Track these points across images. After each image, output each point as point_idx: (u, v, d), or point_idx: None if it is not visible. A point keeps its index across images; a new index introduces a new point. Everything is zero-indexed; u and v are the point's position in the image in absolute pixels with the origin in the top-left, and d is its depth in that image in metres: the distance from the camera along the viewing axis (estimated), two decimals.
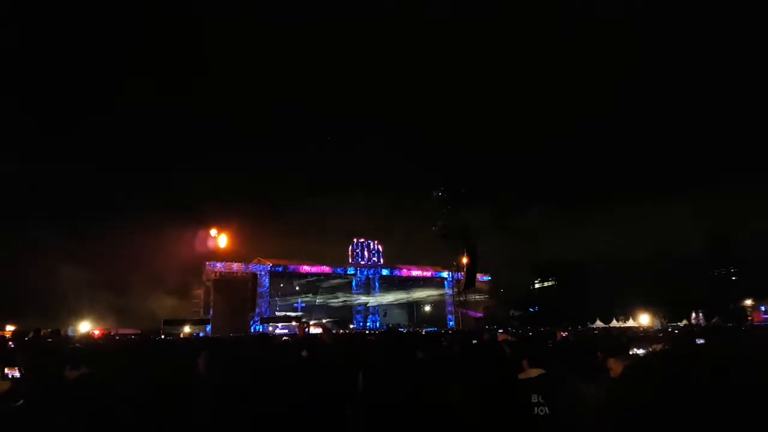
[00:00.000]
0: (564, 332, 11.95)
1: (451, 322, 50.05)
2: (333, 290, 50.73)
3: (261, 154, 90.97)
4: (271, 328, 41.60)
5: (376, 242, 51.34)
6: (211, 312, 40.93)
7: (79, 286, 35.31)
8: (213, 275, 42.50)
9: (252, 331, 39.49)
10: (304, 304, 51.01)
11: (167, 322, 34.40)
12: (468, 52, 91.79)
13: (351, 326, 47.12)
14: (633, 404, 2.54)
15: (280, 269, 46.28)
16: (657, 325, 40.89)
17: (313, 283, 51.13)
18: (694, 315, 48.10)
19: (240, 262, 44.26)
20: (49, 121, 58.99)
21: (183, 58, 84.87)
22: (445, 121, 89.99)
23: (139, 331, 30.01)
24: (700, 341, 10.95)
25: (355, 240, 50.67)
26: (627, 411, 2.52)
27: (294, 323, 39.50)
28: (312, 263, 48.19)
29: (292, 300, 50.86)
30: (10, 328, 23.87)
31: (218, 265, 42.83)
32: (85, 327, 33.38)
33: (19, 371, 5.16)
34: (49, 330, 12.84)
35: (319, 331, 16.64)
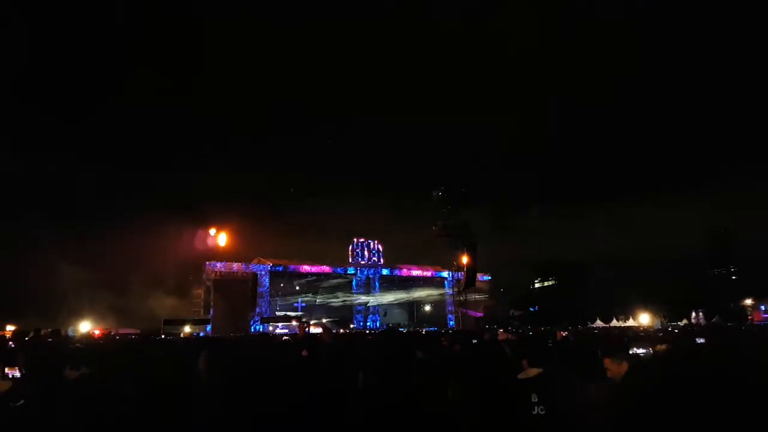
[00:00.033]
0: (564, 332, 11.97)
1: (451, 322, 50.04)
2: (333, 290, 50.70)
3: (261, 154, 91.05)
4: (271, 328, 41.59)
5: (376, 242, 51.33)
6: (211, 312, 40.92)
7: (79, 286, 35.34)
8: (213, 275, 42.49)
9: (252, 330, 39.49)
10: (304, 304, 50.99)
11: (167, 322, 34.40)
12: (468, 52, 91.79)
13: (351, 326, 47.11)
14: (634, 405, 2.55)
15: (281, 269, 46.26)
16: (657, 324, 40.89)
17: (314, 283, 51.11)
18: (694, 314, 48.08)
19: (240, 261, 44.25)
20: (49, 121, 59.01)
21: (183, 58, 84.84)
22: (445, 121, 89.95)
23: (139, 331, 30.01)
24: (701, 340, 10.94)
25: (355, 240, 50.65)
26: (628, 411, 2.52)
27: (294, 323, 39.49)
28: (312, 263, 48.17)
29: (292, 300, 50.85)
30: (10, 328, 23.89)
31: (218, 264, 42.82)
32: (85, 327, 33.39)
33: (20, 371, 5.16)
34: (49, 330, 12.86)
35: (319, 330, 16.63)
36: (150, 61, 74.97)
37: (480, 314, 49.10)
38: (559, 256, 67.95)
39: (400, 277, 52.62)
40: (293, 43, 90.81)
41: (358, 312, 49.45)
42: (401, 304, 56.34)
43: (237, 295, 41.57)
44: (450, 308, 51.30)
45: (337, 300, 50.62)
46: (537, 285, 78.61)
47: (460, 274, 43.98)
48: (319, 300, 51.42)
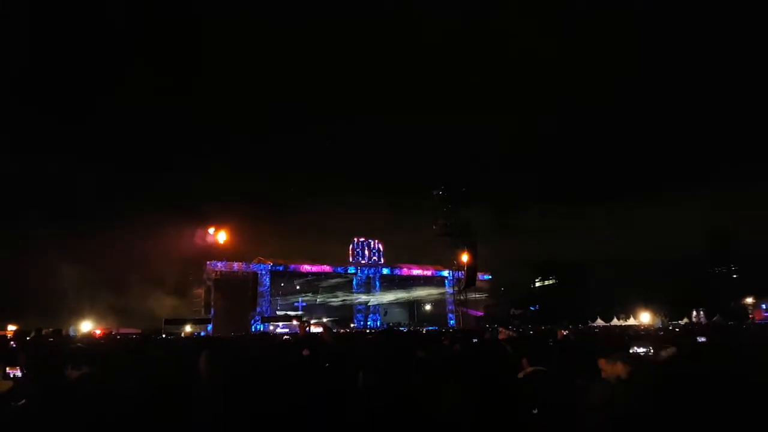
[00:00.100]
0: (564, 331, 11.97)
1: (451, 321, 50.02)
2: (333, 289, 50.67)
3: (261, 154, 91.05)
4: (271, 327, 41.60)
5: (376, 241, 51.31)
6: (212, 311, 40.93)
7: (80, 286, 35.35)
8: (214, 274, 42.49)
9: (253, 330, 39.51)
10: (304, 304, 50.99)
11: (168, 322, 34.43)
12: (468, 52, 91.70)
13: (352, 325, 47.11)
14: (632, 404, 2.55)
15: (281, 268, 46.25)
16: (658, 323, 40.88)
17: (314, 283, 51.10)
18: (695, 313, 48.07)
19: (241, 261, 44.26)
20: (49, 121, 59.02)
21: (183, 58, 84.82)
22: (445, 121, 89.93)
23: (140, 331, 30.04)
24: (702, 339, 10.94)
25: (355, 239, 50.63)
26: (626, 410, 2.53)
27: (295, 322, 39.50)
28: (312, 262, 48.16)
29: (292, 299, 50.84)
30: (11, 327, 23.91)
31: (219, 264, 42.82)
32: (86, 327, 33.41)
33: (21, 371, 5.17)
34: (50, 330, 12.87)
35: (319, 330, 16.63)
36: (150, 61, 75.04)
37: (480, 313, 49.07)
38: (559, 256, 68.02)
39: (401, 276, 52.61)
40: (293, 43, 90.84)
41: (359, 311, 49.45)
42: (401, 304, 56.32)
43: (238, 294, 41.56)
44: (450, 307, 51.26)
45: (337, 299, 50.62)
46: (537, 284, 78.59)
47: (461, 274, 43.96)
48: (319, 299, 51.41)
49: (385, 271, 51.10)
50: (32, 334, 10.15)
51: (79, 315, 34.44)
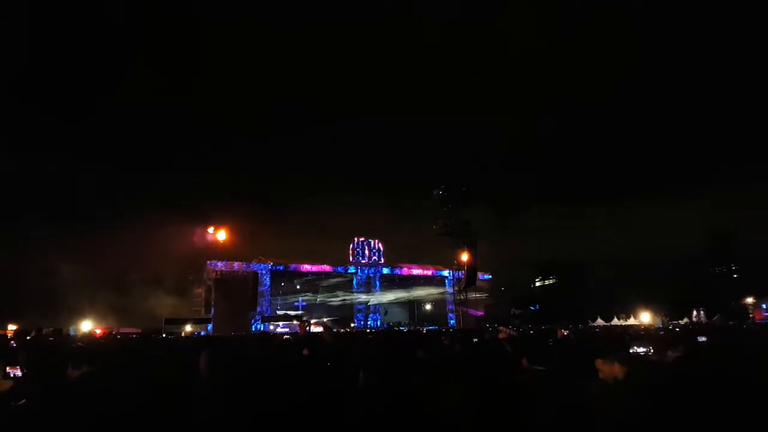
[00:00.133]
0: (565, 330, 11.96)
1: (451, 321, 50.02)
2: (333, 289, 50.67)
3: (261, 154, 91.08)
4: (272, 327, 41.61)
5: (376, 241, 51.30)
6: (212, 311, 40.93)
7: (80, 286, 35.37)
8: (214, 274, 42.49)
9: (253, 330, 39.51)
10: (304, 303, 50.99)
11: (168, 321, 34.44)
12: (468, 53, 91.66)
13: (352, 325, 47.12)
14: (629, 405, 2.55)
15: (281, 268, 46.25)
16: (658, 323, 40.88)
17: (314, 282, 51.10)
18: (695, 313, 48.06)
19: (241, 261, 44.27)
20: (49, 121, 59.02)
21: (183, 58, 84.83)
22: (445, 121, 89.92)
23: (140, 330, 30.03)
24: (702, 339, 10.94)
25: (355, 239, 50.62)
26: (623, 412, 2.53)
27: (295, 322, 39.50)
28: (313, 262, 48.16)
29: (292, 299, 50.84)
30: (12, 327, 23.91)
31: (219, 264, 42.82)
32: (86, 326, 33.42)
33: (21, 370, 5.17)
34: (50, 329, 12.87)
35: (320, 329, 16.64)
36: (150, 61, 75.02)
37: (481, 313, 49.08)
38: (559, 256, 68.03)
39: (401, 276, 52.61)
40: (293, 43, 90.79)
41: (359, 311, 49.46)
42: (402, 303, 56.32)
43: (238, 294, 41.56)
44: (450, 307, 51.25)
45: (337, 299, 50.63)
46: (537, 284, 78.61)
47: (461, 273, 43.96)
48: (319, 299, 51.42)
49: (386, 270, 51.09)
50: (33, 334, 10.16)
51: (80, 314, 34.48)
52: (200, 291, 42.73)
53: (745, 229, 61.45)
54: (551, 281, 77.01)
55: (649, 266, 58.46)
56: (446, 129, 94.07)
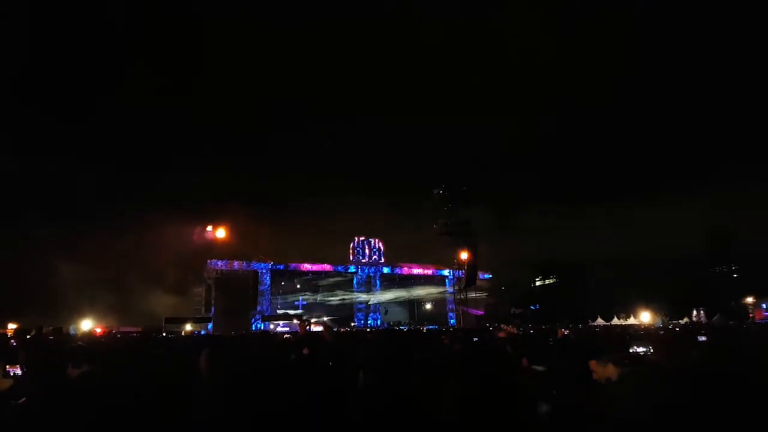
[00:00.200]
0: (565, 330, 11.95)
1: (452, 320, 50.04)
2: (334, 288, 50.71)
3: (261, 154, 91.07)
4: (272, 326, 41.63)
5: (377, 240, 51.31)
6: (213, 310, 40.96)
7: (81, 285, 35.39)
8: (214, 273, 42.52)
9: (253, 329, 39.53)
10: (305, 302, 51.02)
11: (169, 320, 34.48)
12: (468, 52, 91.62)
13: (352, 324, 47.14)
14: (633, 404, 2.54)
15: (281, 267, 46.28)
16: (658, 322, 40.89)
17: (314, 282, 51.13)
18: (695, 312, 48.08)
19: (241, 260, 44.28)
20: (49, 121, 59.03)
21: (183, 58, 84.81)
22: (445, 121, 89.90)
23: (140, 329, 30.03)
24: (702, 338, 10.95)
25: (356, 238, 50.62)
26: (622, 411, 2.52)
27: (295, 321, 39.51)
28: (313, 261, 48.19)
29: (293, 298, 50.87)
30: (12, 326, 23.93)
31: (219, 263, 42.85)
32: (86, 325, 33.45)
33: (21, 369, 5.17)
34: (51, 328, 12.87)
35: (320, 329, 16.65)
36: (150, 61, 74.96)
37: (481, 312, 49.11)
38: (559, 256, 68.00)
39: (401, 275, 52.63)
40: (293, 43, 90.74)
41: (359, 310, 49.48)
42: (402, 303, 56.36)
43: (238, 293, 41.59)
44: (451, 306, 51.28)
45: (337, 298, 50.66)
46: (538, 283, 78.63)
47: (461, 273, 43.98)
48: (319, 298, 51.45)
49: (386, 270, 51.11)
50: (33, 333, 10.15)
51: (80, 314, 34.50)
52: (200, 290, 42.77)
53: (745, 229, 61.43)
54: (551, 281, 77.03)
55: (649, 266, 58.47)
56: (446, 129, 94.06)
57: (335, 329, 19.76)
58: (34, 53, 62.28)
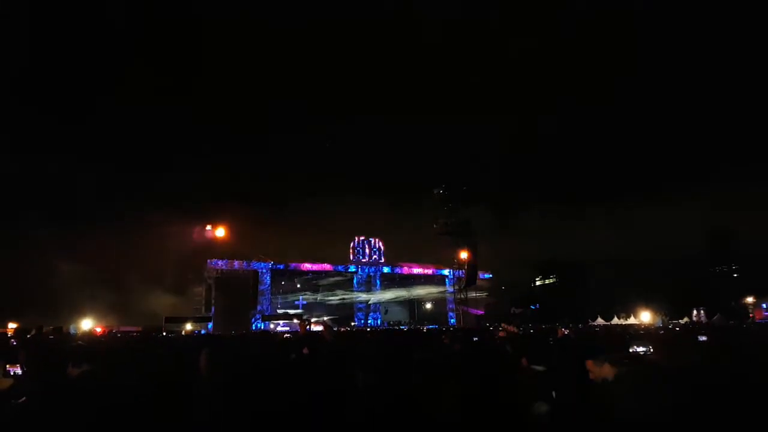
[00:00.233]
0: (565, 330, 11.95)
1: (452, 320, 50.06)
2: (334, 288, 50.73)
3: (261, 154, 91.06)
4: (272, 326, 41.64)
5: (377, 240, 51.33)
6: (213, 309, 40.98)
7: (81, 285, 35.40)
8: (214, 273, 42.53)
9: (253, 328, 39.56)
10: (305, 302, 51.02)
11: (169, 320, 34.48)
12: (468, 52, 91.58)
13: (353, 323, 47.16)
14: (629, 404, 2.54)
15: (282, 267, 46.30)
16: (658, 322, 40.89)
17: (314, 281, 51.15)
18: (695, 312, 48.10)
19: (241, 259, 44.28)
20: (49, 121, 59.03)
21: (183, 58, 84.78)
22: (445, 121, 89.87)
23: (140, 329, 30.05)
24: (702, 338, 10.95)
25: (356, 238, 50.63)
26: (623, 410, 2.52)
27: (295, 321, 39.52)
28: (313, 261, 48.20)
29: (293, 297, 50.88)
30: (12, 325, 23.94)
31: (220, 263, 42.86)
32: (87, 325, 33.46)
33: (21, 368, 5.17)
34: (51, 328, 12.86)
35: (320, 328, 16.65)
36: (150, 61, 74.90)
37: (481, 312, 49.13)
38: (559, 256, 68.01)
39: (401, 275, 52.65)
40: (293, 43, 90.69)
41: (359, 310, 49.51)
42: (402, 302, 56.38)
43: (238, 292, 41.60)
44: (451, 306, 51.30)
45: (337, 298, 50.67)
46: (538, 283, 78.67)
47: (461, 272, 43.99)
48: (320, 298, 51.46)
49: (386, 269, 51.13)
50: (33, 332, 10.15)
51: (80, 313, 34.52)
52: (200, 290, 42.78)
53: (745, 229, 61.40)
54: (551, 280, 77.07)
55: (649, 266, 58.49)
56: (446, 129, 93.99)
57: (335, 329, 19.78)
58: (34, 53, 62.28)
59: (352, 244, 50.22)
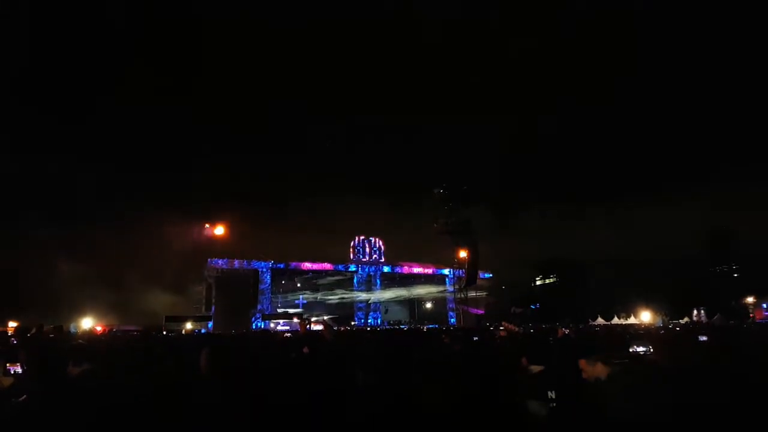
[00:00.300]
0: (565, 329, 11.95)
1: (452, 319, 50.08)
2: (334, 287, 50.76)
3: (261, 154, 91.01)
4: (272, 325, 41.66)
5: (377, 239, 51.33)
6: (213, 309, 41.00)
7: (81, 284, 35.42)
8: (215, 272, 42.54)
9: (253, 327, 39.58)
10: (305, 301, 51.05)
11: (169, 319, 34.51)
12: (468, 52, 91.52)
13: (353, 323, 47.18)
14: (622, 403, 2.54)
15: (282, 266, 46.31)
16: (659, 322, 40.90)
17: (315, 280, 51.16)
18: (695, 312, 48.11)
19: (242, 259, 44.29)
20: (49, 121, 59.05)
21: (183, 58, 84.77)
22: (445, 121, 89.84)
23: (140, 328, 30.08)
24: (703, 338, 10.95)
25: (356, 237, 50.63)
26: (616, 409, 2.52)
27: (295, 320, 39.54)
28: (313, 260, 48.20)
29: (293, 297, 50.89)
30: (12, 324, 23.97)
31: (220, 262, 42.87)
32: (87, 324, 33.50)
33: (22, 367, 5.18)
34: (51, 326, 12.86)
35: (320, 327, 16.66)
36: (150, 61, 74.87)
37: (481, 311, 49.13)
38: (559, 255, 68.02)
39: (401, 274, 52.67)
40: (293, 43, 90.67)
41: (359, 309, 49.52)
42: (402, 302, 56.41)
43: (238, 291, 41.61)
44: (451, 305, 51.32)
45: (338, 297, 50.69)
46: (538, 283, 78.70)
47: (461, 272, 43.94)
48: (320, 297, 51.48)
49: (386, 269, 51.14)
50: (33, 331, 10.14)
51: (80, 312, 34.55)
52: (201, 289, 42.81)
53: (745, 229, 61.36)
54: (552, 280, 77.10)
55: (649, 266, 58.49)
56: (446, 129, 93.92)
57: (335, 328, 19.79)
58: (34, 53, 62.27)
59: (352, 244, 50.22)
